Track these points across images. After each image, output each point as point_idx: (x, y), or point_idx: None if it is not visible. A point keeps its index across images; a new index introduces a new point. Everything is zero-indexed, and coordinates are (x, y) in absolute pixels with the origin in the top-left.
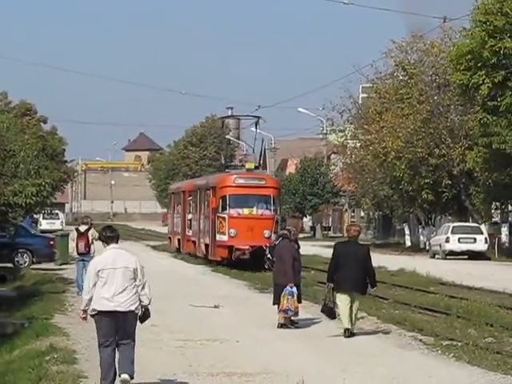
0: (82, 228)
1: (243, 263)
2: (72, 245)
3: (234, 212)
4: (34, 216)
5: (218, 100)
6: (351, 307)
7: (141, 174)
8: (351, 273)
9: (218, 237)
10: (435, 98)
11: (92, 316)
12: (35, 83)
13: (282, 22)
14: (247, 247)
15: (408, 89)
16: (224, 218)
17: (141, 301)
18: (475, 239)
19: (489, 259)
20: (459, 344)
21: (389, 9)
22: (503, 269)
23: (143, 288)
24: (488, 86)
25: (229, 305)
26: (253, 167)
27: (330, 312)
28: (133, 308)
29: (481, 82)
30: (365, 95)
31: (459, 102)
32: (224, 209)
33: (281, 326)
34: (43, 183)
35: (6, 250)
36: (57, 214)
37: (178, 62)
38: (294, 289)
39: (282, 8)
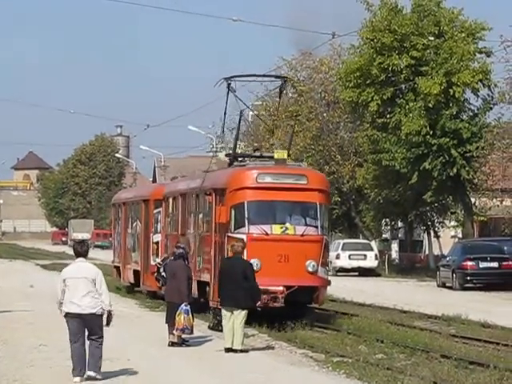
0: None
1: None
2: None
3: (256, 230)
4: None
5: (106, 119)
6: (234, 323)
7: (30, 192)
8: (232, 289)
9: None
10: (325, 115)
11: (64, 317)
12: None
13: (170, 37)
14: (280, 288)
15: (298, 106)
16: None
17: (102, 306)
18: (365, 256)
19: (379, 275)
20: (350, 360)
21: (277, 25)
22: (393, 285)
23: (102, 295)
24: (377, 103)
25: (120, 324)
26: (285, 156)
27: (218, 326)
28: (94, 311)
29: (370, 99)
30: (255, 113)
31: (348, 119)
32: (239, 225)
33: (172, 344)
34: None
35: None
36: None
37: (67, 81)
38: (189, 307)
39: (170, 26)
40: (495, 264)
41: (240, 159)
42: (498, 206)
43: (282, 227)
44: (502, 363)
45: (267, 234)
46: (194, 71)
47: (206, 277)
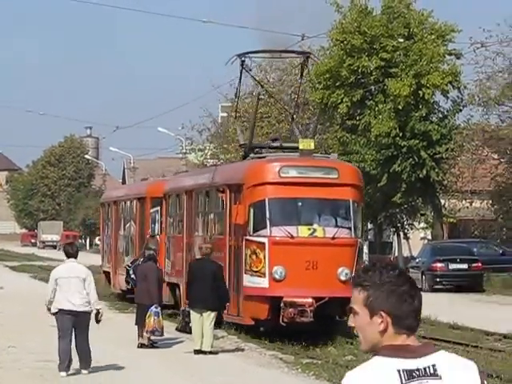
0: None
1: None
2: None
3: (279, 233)
4: None
5: (76, 121)
6: (203, 325)
7: None
8: (201, 291)
9: (248, 280)
10: (294, 116)
11: (54, 314)
12: None
13: (139, 40)
14: (309, 300)
15: (268, 108)
16: (261, 245)
17: (91, 304)
18: None
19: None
20: (319, 362)
21: (246, 26)
22: None
23: (90, 294)
24: (347, 105)
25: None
26: (312, 147)
27: (186, 327)
28: (86, 309)
29: (339, 101)
30: (224, 114)
31: (318, 121)
32: (259, 227)
33: (141, 345)
34: None
35: None
36: None
37: (35, 82)
38: (159, 309)
39: (137, 29)
40: (465, 265)
41: (256, 150)
42: (467, 207)
43: (309, 229)
44: None
45: (292, 237)
46: (164, 72)
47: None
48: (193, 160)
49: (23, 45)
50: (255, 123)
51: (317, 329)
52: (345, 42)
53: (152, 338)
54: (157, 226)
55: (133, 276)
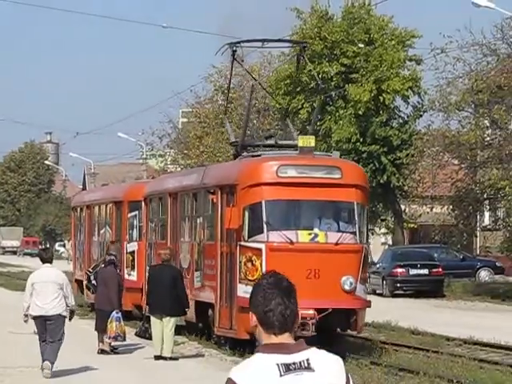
0: None
1: None
2: None
3: (277, 238)
4: None
5: (36, 126)
6: (163, 331)
7: None
8: (161, 296)
9: (243, 290)
10: (255, 122)
11: (33, 319)
12: None
13: (98, 45)
14: (310, 312)
15: (228, 113)
16: (257, 252)
17: (68, 306)
18: None
19: None
20: None
21: (208, 32)
22: None
23: (66, 297)
24: (307, 111)
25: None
26: (312, 144)
27: (145, 333)
28: (60, 312)
29: (300, 107)
30: (185, 120)
31: (279, 127)
32: (256, 231)
33: (101, 351)
34: None
35: None
36: None
37: None
38: (120, 314)
39: (97, 32)
40: (425, 271)
41: (249, 148)
42: (427, 212)
43: (310, 234)
44: (431, 370)
45: (292, 243)
46: (123, 79)
47: (208, 297)
48: (153, 166)
49: None
50: (248, 119)
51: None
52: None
53: (114, 343)
54: (135, 232)
55: (94, 282)
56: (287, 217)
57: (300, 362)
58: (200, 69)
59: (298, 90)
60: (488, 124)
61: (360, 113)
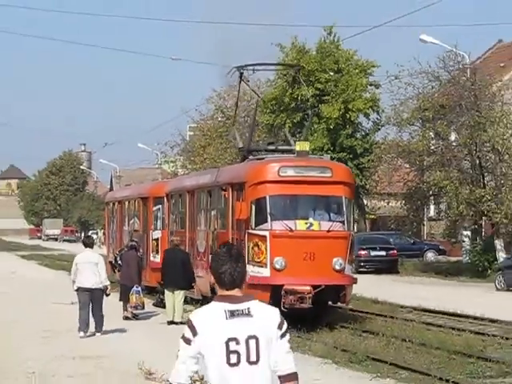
0: None
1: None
2: None
3: (279, 227)
4: None
5: (73, 138)
6: (175, 301)
7: (11, 197)
8: (173, 274)
9: (251, 270)
10: (247, 134)
11: (76, 291)
12: None
13: (121, 75)
14: (307, 288)
15: (226, 128)
16: (263, 238)
17: (102, 282)
18: None
19: None
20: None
21: (209, 63)
22: None
23: (102, 275)
24: (289, 126)
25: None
26: (307, 148)
27: (160, 303)
28: (98, 286)
29: (283, 123)
30: (191, 133)
31: (266, 139)
32: (261, 221)
33: (126, 318)
34: None
35: None
36: None
37: (40, 104)
38: (139, 288)
39: (122, 65)
40: (383, 253)
41: (254, 153)
42: (385, 206)
43: (306, 223)
44: (388, 331)
45: (291, 231)
46: (142, 101)
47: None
48: (166, 170)
49: (24, 67)
50: (253, 130)
51: (315, 314)
52: (287, 75)
53: (135, 312)
54: (159, 222)
55: (120, 262)
56: (287, 209)
57: (242, 310)
58: (204, 92)
59: (282, 109)
60: (432, 136)
61: (331, 127)
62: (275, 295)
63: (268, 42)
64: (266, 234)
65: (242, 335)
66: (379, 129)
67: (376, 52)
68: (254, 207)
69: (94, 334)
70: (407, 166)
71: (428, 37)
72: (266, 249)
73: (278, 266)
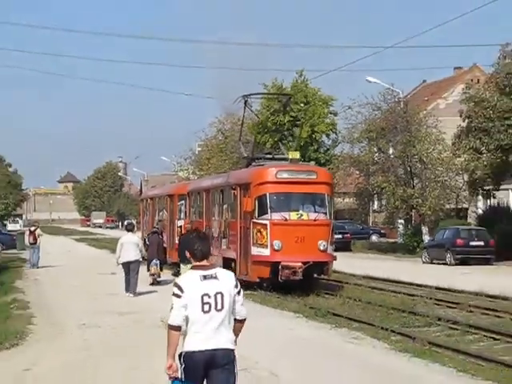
0: (32, 228)
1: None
2: (27, 238)
3: (277, 217)
4: (3, 221)
5: (113, 151)
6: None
7: (68, 196)
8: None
9: (255, 250)
10: (240, 150)
11: (120, 264)
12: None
13: (149, 104)
14: (299, 264)
15: (225, 145)
16: (264, 226)
17: (142, 254)
18: None
19: None
20: (255, 293)
21: (211, 97)
22: None
23: (141, 251)
24: (270, 143)
25: (119, 272)
26: (298, 156)
27: (177, 274)
28: (137, 258)
29: (266, 141)
30: (199, 149)
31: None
32: (263, 213)
33: (151, 283)
34: (9, 202)
35: None
36: (18, 220)
37: (90, 123)
38: (158, 261)
39: (137, 96)
40: (340, 236)
41: (255, 160)
42: (341, 202)
43: (297, 214)
44: (344, 293)
45: (286, 220)
46: (163, 125)
47: (231, 254)
48: (181, 175)
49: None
50: (255, 143)
51: (303, 284)
52: (269, 107)
53: (152, 278)
54: (182, 214)
55: (147, 243)
56: (283, 203)
57: (211, 274)
58: (209, 119)
59: (266, 131)
60: (376, 150)
61: (301, 144)
62: (274, 269)
63: (256, 83)
64: (267, 222)
65: (212, 291)
66: (337, 145)
67: (335, 88)
68: (257, 202)
69: (134, 295)
70: (357, 172)
71: (373, 78)
72: (266, 234)
73: (276, 247)
